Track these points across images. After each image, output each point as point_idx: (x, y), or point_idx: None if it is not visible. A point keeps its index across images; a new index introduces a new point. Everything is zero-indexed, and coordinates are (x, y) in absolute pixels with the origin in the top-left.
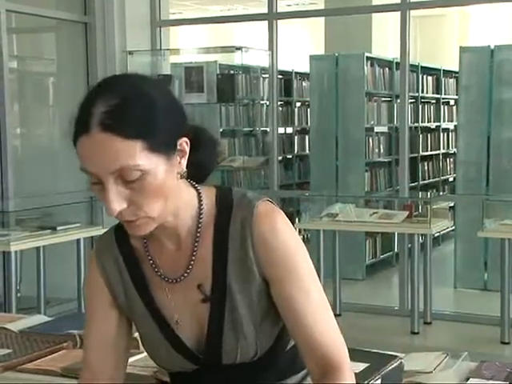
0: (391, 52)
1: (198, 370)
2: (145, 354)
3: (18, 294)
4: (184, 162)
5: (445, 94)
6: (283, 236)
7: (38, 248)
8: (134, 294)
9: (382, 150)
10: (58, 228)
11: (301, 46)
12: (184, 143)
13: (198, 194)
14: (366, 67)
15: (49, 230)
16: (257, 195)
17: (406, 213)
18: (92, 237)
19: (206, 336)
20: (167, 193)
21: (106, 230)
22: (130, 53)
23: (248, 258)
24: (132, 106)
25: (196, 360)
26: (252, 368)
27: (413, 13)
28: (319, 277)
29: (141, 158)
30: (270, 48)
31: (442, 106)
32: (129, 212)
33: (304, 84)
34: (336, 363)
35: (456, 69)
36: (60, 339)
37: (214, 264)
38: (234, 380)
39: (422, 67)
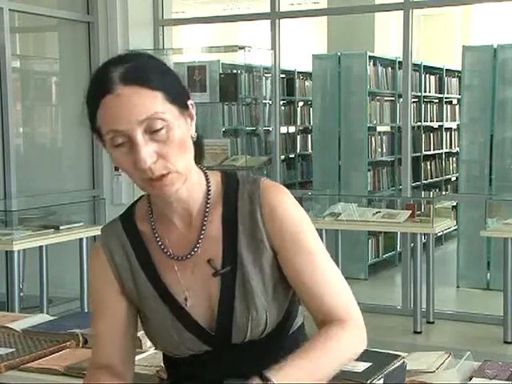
0: (394, 51)
1: (207, 352)
2: (147, 353)
3: (21, 293)
4: (193, 126)
5: (447, 94)
6: (290, 208)
7: (40, 247)
8: (142, 278)
9: (384, 150)
10: (61, 227)
11: (303, 45)
12: (191, 106)
13: (205, 174)
14: (368, 66)
15: (52, 229)
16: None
17: (409, 212)
18: (95, 236)
19: (217, 309)
20: (188, 152)
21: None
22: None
23: (258, 229)
24: (146, 64)
25: (207, 339)
26: (259, 348)
27: (415, 12)
28: None
29: (163, 107)
30: (273, 47)
31: (444, 106)
32: (158, 166)
33: (306, 83)
34: (344, 320)
35: (459, 68)
36: (63, 338)
37: (224, 238)
38: (242, 362)
39: (424, 66)
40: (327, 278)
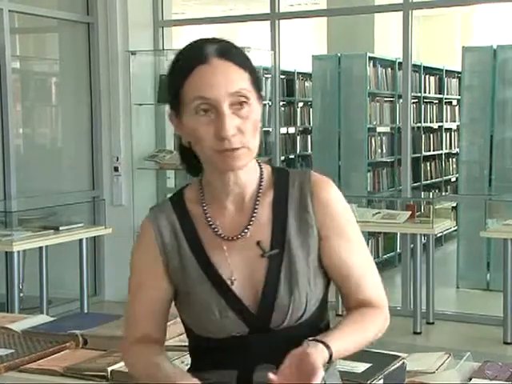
0: (394, 52)
1: (243, 337)
2: None
3: (21, 294)
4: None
5: (447, 94)
6: (337, 198)
7: (40, 248)
8: (189, 257)
9: (384, 150)
10: (61, 228)
11: (303, 45)
12: (261, 97)
13: (258, 162)
14: (368, 67)
15: (51, 230)
16: None
17: (409, 213)
18: (94, 237)
19: (261, 289)
20: (258, 135)
21: (109, 229)
22: (133, 53)
23: (308, 214)
24: (236, 48)
25: (248, 320)
26: (294, 336)
27: (415, 13)
28: None
29: (249, 86)
30: (273, 48)
31: (444, 106)
32: (236, 139)
33: (306, 84)
34: (377, 307)
35: (459, 69)
36: (63, 339)
37: (274, 222)
38: (276, 349)
39: (424, 67)
40: (367, 267)
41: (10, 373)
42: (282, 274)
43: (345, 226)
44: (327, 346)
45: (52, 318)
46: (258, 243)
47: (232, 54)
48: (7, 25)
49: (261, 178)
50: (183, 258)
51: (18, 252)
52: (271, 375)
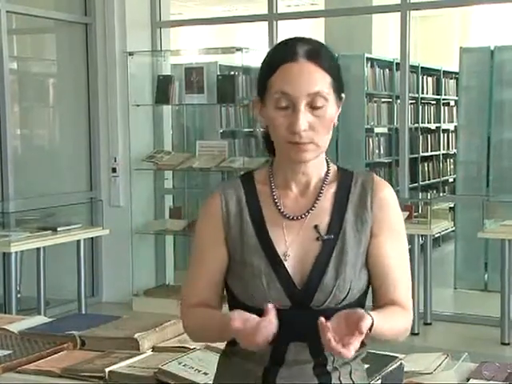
0: (391, 53)
1: (285, 311)
2: (145, 355)
3: (18, 295)
4: (337, 115)
5: (445, 95)
6: (395, 202)
7: (38, 249)
8: (250, 228)
9: (382, 151)
10: (59, 229)
11: None
12: (342, 99)
13: (326, 159)
14: (366, 68)
15: (49, 231)
16: None
17: (406, 213)
18: (92, 238)
19: (310, 268)
20: (330, 133)
21: (107, 230)
22: (131, 54)
23: (366, 211)
24: (325, 49)
25: (292, 294)
26: (329, 318)
27: (413, 13)
28: None
29: (328, 89)
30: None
31: (442, 107)
32: (306, 135)
33: None
34: (405, 309)
35: (456, 69)
36: (60, 340)
37: (333, 211)
38: (314, 328)
39: (422, 68)
40: (405, 272)
41: (8, 374)
42: (332, 258)
43: (396, 229)
44: (370, 315)
45: (50, 319)
46: (316, 227)
47: (320, 57)
48: (5, 25)
49: (327, 172)
50: (244, 229)
51: (16, 253)
52: (322, 318)
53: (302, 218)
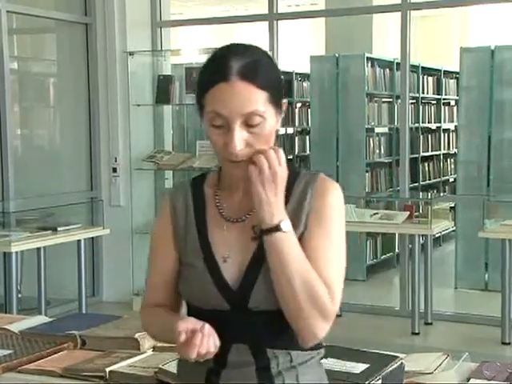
0: (392, 52)
1: (226, 312)
2: (145, 354)
3: (19, 295)
4: (280, 120)
5: (445, 95)
6: (334, 199)
7: (38, 249)
8: (193, 229)
9: (382, 151)
10: (59, 229)
11: (301, 46)
12: (284, 104)
13: None
14: (366, 68)
15: (49, 231)
16: None
17: (407, 213)
18: (93, 237)
19: (245, 269)
20: (271, 142)
21: (107, 230)
22: (131, 53)
23: (303, 208)
24: (261, 64)
25: (228, 296)
26: (271, 319)
27: (413, 13)
28: None
29: (265, 106)
30: (271, 49)
31: (442, 107)
32: (244, 152)
33: (304, 84)
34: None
35: (457, 69)
36: (61, 340)
37: None
38: (254, 329)
39: (422, 68)
40: (331, 264)
41: (9, 374)
42: (266, 260)
43: (330, 225)
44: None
45: (50, 319)
46: (253, 227)
47: (254, 74)
48: (5, 25)
49: None
50: (188, 232)
51: (17, 253)
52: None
53: (242, 220)
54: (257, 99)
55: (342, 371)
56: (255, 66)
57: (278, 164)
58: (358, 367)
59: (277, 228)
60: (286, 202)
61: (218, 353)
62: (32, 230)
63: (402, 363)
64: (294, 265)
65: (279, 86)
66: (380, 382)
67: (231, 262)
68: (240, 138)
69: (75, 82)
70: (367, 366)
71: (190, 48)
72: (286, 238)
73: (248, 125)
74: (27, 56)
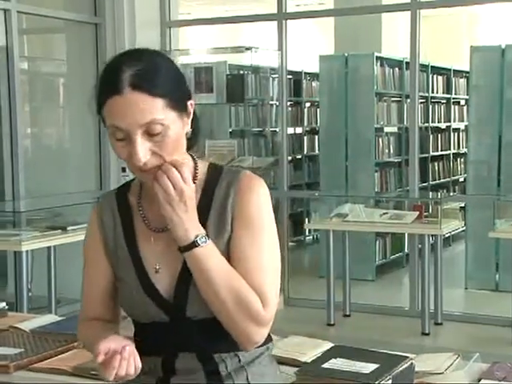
0: (401, 52)
1: (166, 324)
2: None
3: (29, 294)
4: (189, 122)
5: (455, 94)
6: (258, 196)
7: (48, 248)
8: (122, 242)
9: (391, 151)
10: (69, 228)
11: (310, 46)
12: (190, 105)
13: (195, 162)
14: (375, 67)
15: (59, 230)
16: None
17: (417, 213)
18: None
19: (176, 280)
20: (181, 147)
21: None
22: None
23: (226, 213)
24: (155, 70)
25: (166, 308)
26: (212, 326)
27: (423, 12)
28: (329, 277)
29: (164, 113)
30: (280, 48)
31: (452, 106)
32: (152, 160)
33: (313, 84)
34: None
35: (467, 68)
36: (71, 338)
37: (198, 217)
38: (196, 337)
39: (432, 67)
40: (260, 267)
41: (19, 372)
42: None
43: (257, 225)
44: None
45: (60, 318)
46: None
47: (147, 82)
48: (15, 25)
49: (195, 174)
50: (117, 245)
51: (27, 252)
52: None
53: (168, 229)
54: (152, 108)
55: (352, 371)
56: (147, 74)
57: (183, 181)
58: (368, 367)
59: (194, 244)
60: (209, 206)
61: (164, 362)
62: (42, 230)
63: (412, 363)
64: (218, 277)
65: (179, 89)
66: (390, 382)
67: (162, 273)
68: (143, 148)
69: (84, 82)
70: (377, 366)
71: (199, 48)
72: (206, 252)
73: (150, 134)
74: (37, 56)
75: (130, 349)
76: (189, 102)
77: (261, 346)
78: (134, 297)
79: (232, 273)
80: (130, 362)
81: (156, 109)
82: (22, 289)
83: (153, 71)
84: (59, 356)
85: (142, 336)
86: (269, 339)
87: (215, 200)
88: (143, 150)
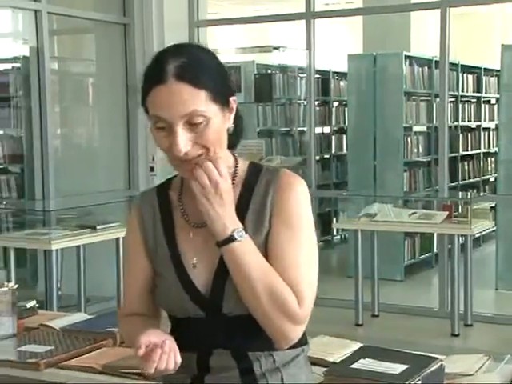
0: (430, 50)
1: (201, 319)
2: None
3: (59, 292)
4: (231, 118)
5: (485, 93)
6: (297, 195)
7: (78, 247)
8: (161, 237)
9: (420, 150)
10: (98, 227)
11: (339, 45)
12: (233, 101)
13: (235, 159)
14: (404, 66)
15: (89, 229)
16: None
17: (446, 213)
18: None
19: (213, 276)
20: (222, 142)
21: None
22: None
23: (266, 209)
24: (199, 63)
25: (202, 304)
26: (247, 323)
27: (453, 10)
28: (357, 277)
29: (206, 105)
30: (308, 47)
31: (482, 105)
32: (192, 151)
33: (341, 83)
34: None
35: (497, 67)
36: (100, 337)
37: (237, 213)
38: (231, 334)
39: (462, 66)
40: (297, 264)
41: (49, 369)
42: None
43: (295, 222)
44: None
45: (90, 316)
46: None
47: (191, 74)
48: (46, 26)
49: (235, 172)
50: (157, 240)
51: (57, 250)
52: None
53: (207, 224)
54: (195, 99)
55: (380, 372)
56: (192, 65)
57: (219, 175)
58: (397, 368)
59: (231, 238)
60: (248, 203)
61: (198, 359)
62: (71, 229)
63: (441, 365)
64: (254, 272)
65: (222, 83)
66: (420, 383)
67: (200, 268)
68: (184, 139)
69: (113, 82)
70: (406, 366)
71: (227, 47)
72: (243, 247)
73: (191, 124)
74: (67, 56)
75: (171, 343)
76: (231, 98)
77: (296, 347)
78: (171, 292)
79: (268, 269)
80: (170, 356)
81: (198, 100)
82: (52, 287)
83: (197, 64)
84: (89, 354)
85: (177, 332)
86: (304, 341)
87: (254, 197)
88: (184, 140)
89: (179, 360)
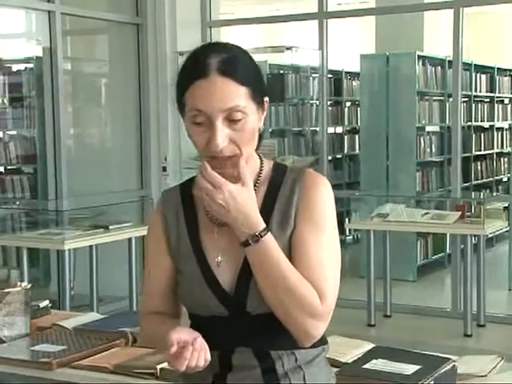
0: (443, 50)
1: (225, 318)
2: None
3: (72, 292)
4: (263, 119)
5: (499, 93)
6: (322, 194)
7: (90, 246)
8: (184, 235)
9: (433, 150)
10: (111, 227)
11: (351, 45)
12: (265, 102)
13: (261, 159)
14: (417, 66)
15: (101, 229)
16: None
17: (459, 213)
18: (143, 236)
19: (238, 274)
20: (255, 141)
21: None
22: (181, 53)
23: (291, 208)
24: (240, 59)
25: (226, 302)
26: (271, 321)
27: (466, 10)
28: (369, 277)
29: (246, 101)
30: (320, 47)
31: (496, 105)
32: (227, 149)
33: (354, 83)
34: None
35: (511, 67)
36: (113, 336)
37: (262, 213)
38: (255, 332)
39: (475, 65)
40: (320, 261)
41: (62, 369)
42: None
43: (320, 220)
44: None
45: (102, 316)
46: None
47: (233, 69)
48: (59, 27)
49: (260, 172)
50: (180, 238)
51: (69, 250)
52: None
53: None
54: (237, 94)
55: (393, 372)
56: (234, 61)
57: (242, 180)
58: (409, 368)
59: (254, 238)
60: (273, 203)
61: (221, 357)
62: (84, 228)
63: (454, 365)
64: (277, 272)
65: (259, 84)
66: (432, 383)
67: (225, 266)
68: (223, 134)
69: (126, 82)
70: (418, 367)
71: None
72: (266, 247)
73: (230, 120)
74: (80, 57)
75: (201, 341)
76: (265, 98)
77: (317, 346)
78: (195, 290)
79: (290, 268)
80: (201, 354)
81: (240, 96)
82: (65, 287)
83: (238, 60)
84: (101, 354)
85: (199, 330)
86: (325, 340)
87: (280, 197)
88: (222, 135)
89: (209, 357)
